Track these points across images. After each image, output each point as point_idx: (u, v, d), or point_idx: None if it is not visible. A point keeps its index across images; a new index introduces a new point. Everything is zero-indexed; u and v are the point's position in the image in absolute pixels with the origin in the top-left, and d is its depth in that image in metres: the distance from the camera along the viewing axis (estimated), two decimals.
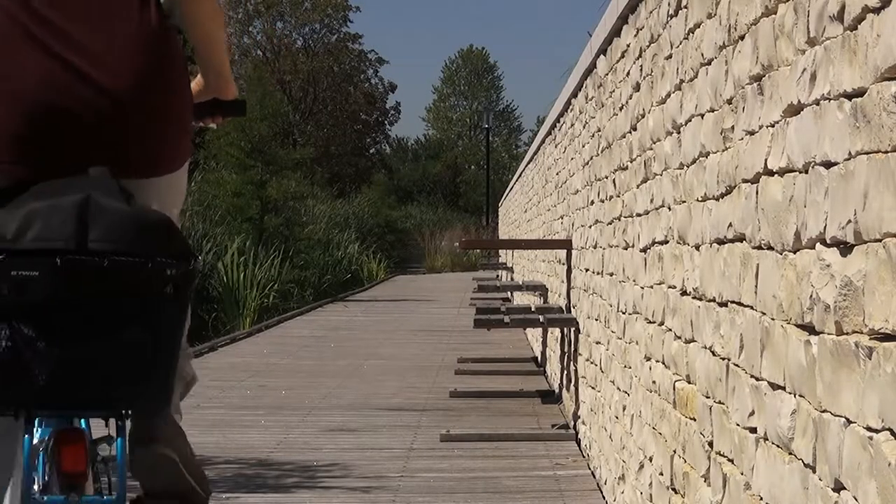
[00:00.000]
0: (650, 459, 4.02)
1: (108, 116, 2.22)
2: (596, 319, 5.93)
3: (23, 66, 2.23)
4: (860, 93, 1.88)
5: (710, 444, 3.04)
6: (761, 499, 2.49)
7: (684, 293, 3.47)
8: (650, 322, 4.09)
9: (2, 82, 2.24)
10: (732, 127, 2.85)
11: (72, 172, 2.20)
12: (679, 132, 3.60)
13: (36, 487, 2.20)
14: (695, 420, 3.25)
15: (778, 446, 2.36)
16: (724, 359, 2.90)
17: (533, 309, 8.20)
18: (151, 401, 2.25)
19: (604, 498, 5.23)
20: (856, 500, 1.87)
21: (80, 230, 2.17)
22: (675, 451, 3.55)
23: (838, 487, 1.97)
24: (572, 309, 7.42)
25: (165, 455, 2.68)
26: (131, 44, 2.30)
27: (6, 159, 2.15)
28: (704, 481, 3.11)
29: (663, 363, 3.81)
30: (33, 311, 2.16)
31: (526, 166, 15.42)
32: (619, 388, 4.91)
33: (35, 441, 2.22)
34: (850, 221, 1.91)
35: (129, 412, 2.26)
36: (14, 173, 2.17)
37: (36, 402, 2.20)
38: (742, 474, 2.68)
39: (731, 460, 2.81)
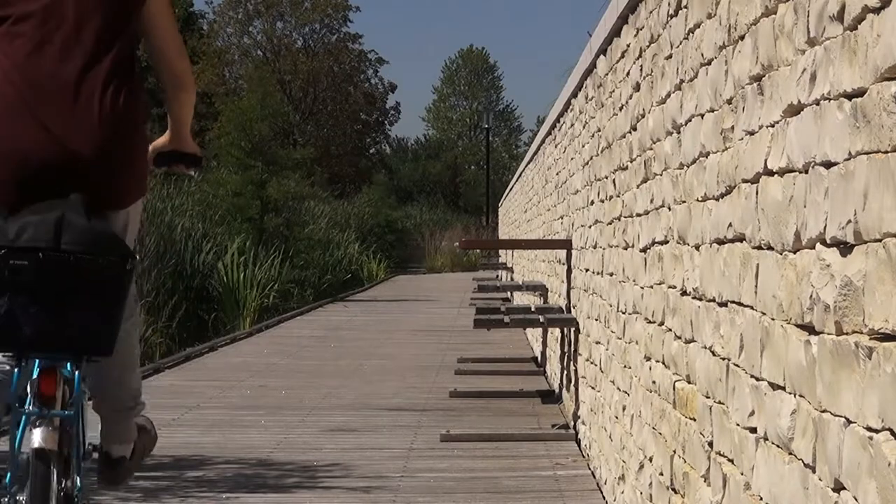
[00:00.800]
0: (650, 459, 4.03)
1: (80, 171, 3.30)
2: (596, 319, 5.93)
3: (24, 133, 3.32)
4: (860, 93, 1.88)
5: (710, 444, 3.04)
6: (761, 499, 2.49)
7: (684, 293, 3.47)
8: (650, 322, 4.09)
9: (8, 142, 3.32)
10: (732, 127, 2.85)
11: (56, 198, 3.30)
12: (679, 132, 3.60)
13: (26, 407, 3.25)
14: (695, 420, 3.25)
15: (778, 446, 2.36)
16: (724, 359, 2.90)
17: (533, 309, 8.20)
18: (100, 350, 3.32)
19: (604, 498, 5.23)
20: (856, 500, 1.87)
21: (56, 236, 3.26)
22: (675, 451, 3.55)
23: (838, 487, 1.97)
24: (572, 309, 7.42)
25: (123, 483, 3.88)
26: (100, 118, 3.35)
27: (12, 193, 3.30)
28: (704, 481, 3.11)
29: (663, 363, 3.81)
30: (24, 287, 3.23)
31: (526, 166, 15.42)
32: (619, 388, 4.91)
33: (31, 377, 3.27)
34: (850, 221, 1.91)
35: (87, 358, 3.34)
36: (17, 203, 3.29)
37: (25, 348, 3.27)
38: (742, 474, 2.68)
39: (731, 460, 2.81)
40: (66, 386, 3.31)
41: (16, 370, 3.29)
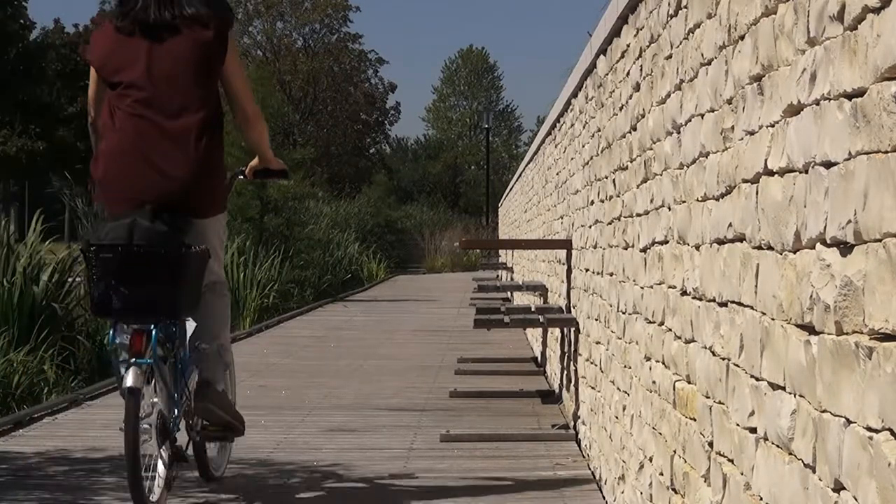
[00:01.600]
0: (650, 459, 4.03)
1: (174, 193, 4.71)
2: (596, 319, 5.93)
3: (134, 167, 4.70)
4: (860, 93, 1.88)
5: (710, 444, 3.04)
6: (761, 499, 2.49)
7: (684, 293, 3.47)
8: (650, 322, 4.09)
9: (122, 173, 4.72)
10: (732, 127, 2.85)
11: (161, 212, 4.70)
12: (679, 132, 3.60)
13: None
14: (695, 420, 3.25)
15: (778, 446, 2.36)
16: (724, 359, 2.90)
17: (533, 309, 8.20)
18: (167, 314, 4.65)
19: (604, 498, 5.23)
20: (856, 500, 1.87)
21: (129, 235, 4.60)
22: (675, 451, 3.55)
23: (838, 487, 1.97)
24: (572, 309, 7.42)
25: (209, 408, 4.99)
26: (189, 159, 4.71)
27: (120, 211, 4.70)
28: (704, 481, 3.12)
29: (663, 363, 3.81)
30: (111, 273, 4.58)
31: (526, 166, 15.42)
32: (619, 388, 4.91)
33: (123, 338, 4.61)
34: (850, 221, 1.91)
35: (159, 322, 4.62)
36: (119, 215, 4.68)
37: (116, 318, 4.63)
38: (742, 474, 2.68)
39: (731, 460, 2.81)
40: (147, 339, 4.60)
41: (112, 332, 4.68)
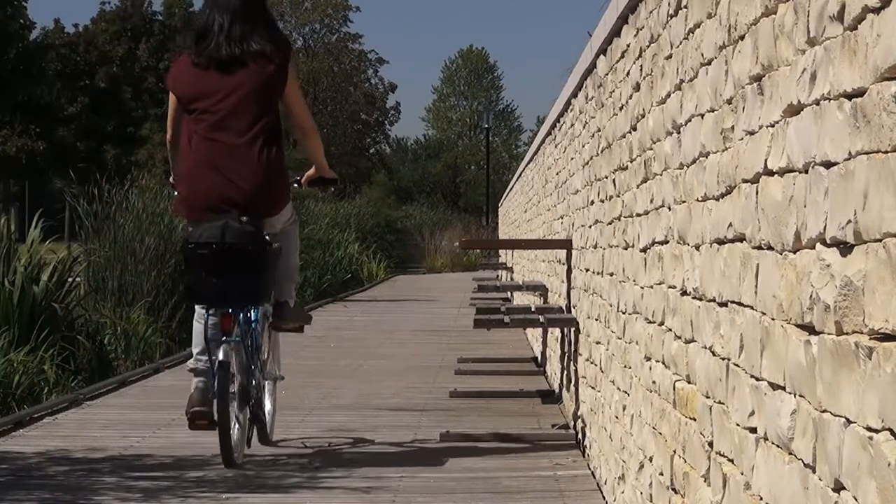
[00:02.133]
0: (650, 459, 4.03)
1: (245, 200, 5.66)
2: (596, 319, 5.93)
3: (211, 178, 5.65)
4: (860, 93, 1.88)
5: (710, 444, 3.04)
6: (761, 499, 2.49)
7: (684, 293, 3.47)
8: (650, 322, 4.09)
9: (201, 184, 5.68)
10: (732, 127, 2.85)
11: (226, 214, 5.64)
12: (679, 132, 3.60)
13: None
14: (695, 420, 3.25)
15: (778, 446, 2.36)
16: (724, 359, 2.90)
17: (533, 309, 8.20)
18: (251, 301, 5.69)
19: (604, 498, 5.23)
20: (856, 500, 1.87)
21: (222, 235, 5.56)
22: (675, 451, 3.55)
23: (838, 487, 1.97)
24: (572, 309, 7.42)
25: (287, 321, 6.18)
26: (255, 170, 5.66)
27: (201, 216, 5.67)
28: (704, 481, 3.12)
29: (663, 363, 3.81)
30: (207, 267, 5.52)
31: (526, 166, 15.42)
32: (619, 388, 4.92)
33: (214, 320, 5.65)
34: (850, 221, 1.91)
35: (247, 307, 5.67)
36: (203, 218, 5.60)
37: (211, 304, 5.62)
38: (742, 474, 2.68)
39: (731, 460, 2.81)
40: (235, 322, 5.67)
41: (208, 316, 5.74)
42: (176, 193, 5.99)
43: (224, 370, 5.61)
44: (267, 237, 5.80)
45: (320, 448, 6.38)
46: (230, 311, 5.68)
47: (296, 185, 6.23)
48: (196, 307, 5.91)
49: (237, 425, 5.76)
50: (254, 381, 5.88)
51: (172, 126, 5.94)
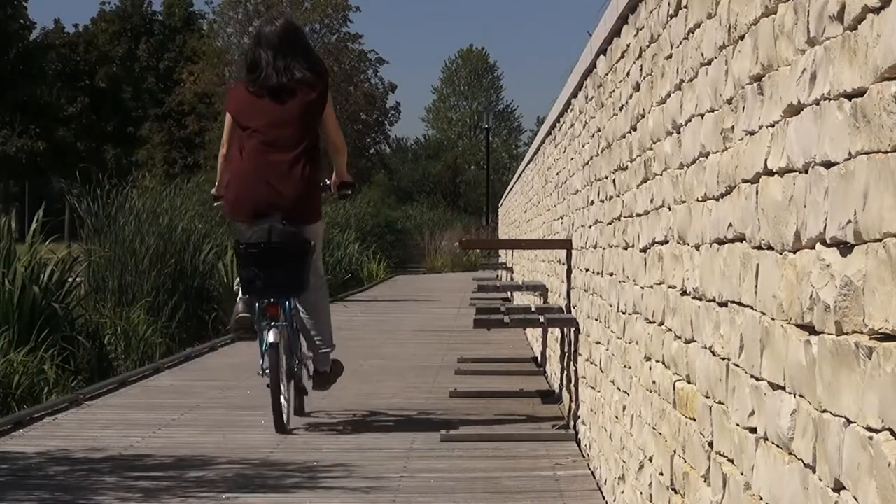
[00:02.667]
0: (650, 459, 4.03)
1: (287, 206, 6.55)
2: (596, 319, 5.93)
3: (259, 188, 6.52)
4: (860, 93, 1.88)
5: (710, 444, 3.04)
6: (761, 499, 2.49)
7: (684, 293, 3.47)
8: (650, 322, 4.09)
9: (251, 193, 6.58)
10: (732, 127, 2.85)
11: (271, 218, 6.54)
12: (679, 132, 3.60)
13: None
14: (695, 420, 3.25)
15: (778, 446, 2.36)
16: (724, 359, 2.90)
17: (533, 309, 8.19)
18: (293, 292, 6.61)
19: (604, 498, 5.23)
20: (856, 500, 1.87)
21: (269, 236, 6.50)
22: (675, 451, 3.55)
23: (838, 487, 1.97)
24: (572, 309, 7.42)
25: (325, 386, 7.41)
26: (297, 182, 6.57)
27: (248, 220, 6.66)
28: (704, 481, 3.12)
29: (663, 363, 3.81)
30: (256, 264, 6.49)
31: (526, 166, 15.42)
32: (618, 388, 4.91)
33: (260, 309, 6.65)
34: (850, 221, 1.91)
35: (290, 298, 6.63)
36: (252, 221, 6.52)
37: (259, 295, 6.58)
38: (742, 474, 2.68)
39: (731, 460, 2.81)
40: (280, 310, 6.66)
41: (257, 304, 6.69)
42: (219, 200, 7.05)
43: (275, 351, 6.66)
44: (306, 238, 6.75)
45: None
46: (278, 300, 6.71)
47: (327, 183, 7.16)
48: (238, 298, 6.87)
49: (284, 397, 6.79)
50: (296, 360, 6.97)
51: (227, 143, 6.90)
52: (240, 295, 6.81)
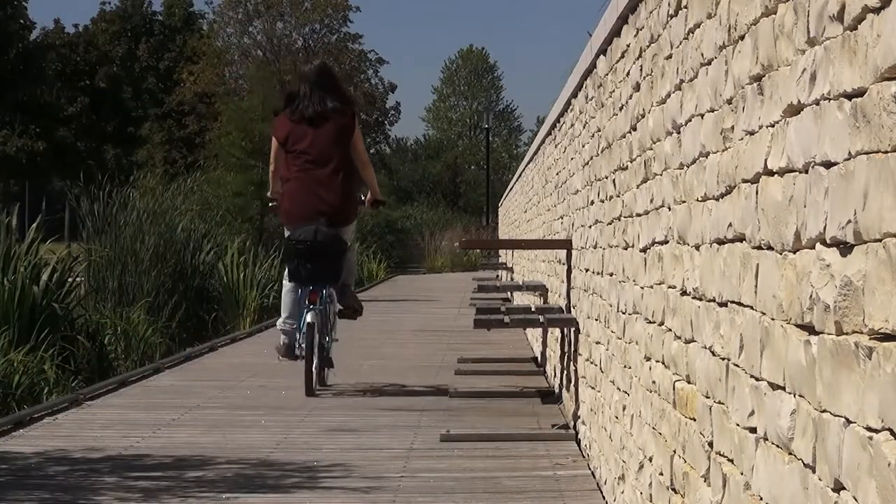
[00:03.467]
0: (650, 459, 4.03)
1: (329, 212, 8.19)
2: (596, 319, 5.93)
3: (307, 199, 8.19)
4: (860, 93, 1.88)
5: (710, 444, 3.04)
6: (761, 499, 2.49)
7: (684, 293, 3.47)
8: (650, 322, 4.09)
9: (301, 203, 8.21)
10: (732, 127, 2.85)
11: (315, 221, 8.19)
12: (679, 132, 3.60)
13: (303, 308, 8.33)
14: (695, 420, 3.25)
15: (778, 446, 2.36)
16: (723, 359, 2.90)
17: (533, 309, 8.19)
18: (331, 281, 8.27)
19: (604, 498, 5.23)
20: (856, 500, 1.87)
21: (315, 235, 8.10)
22: (675, 451, 3.55)
23: (838, 487, 1.97)
24: (572, 309, 7.42)
25: (347, 300, 8.73)
26: (338, 192, 8.23)
27: (297, 222, 8.25)
28: (704, 481, 3.12)
29: (663, 363, 3.81)
30: (303, 257, 8.09)
31: (526, 166, 15.42)
32: (618, 388, 4.91)
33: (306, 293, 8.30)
34: (850, 221, 1.91)
35: (329, 285, 8.29)
36: (300, 224, 8.14)
37: (304, 283, 8.21)
38: (742, 474, 2.68)
39: (731, 460, 2.81)
40: (319, 295, 8.16)
41: (300, 290, 8.21)
42: (273, 205, 8.81)
43: (311, 329, 8.23)
44: (343, 238, 8.38)
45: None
46: (317, 287, 8.25)
47: (363, 199, 8.86)
48: (285, 283, 8.48)
49: (315, 367, 8.36)
50: (327, 339, 8.48)
51: (275, 162, 8.49)
52: (281, 337, 8.58)
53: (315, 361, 8.30)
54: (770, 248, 2.46)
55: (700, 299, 3.23)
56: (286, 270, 8.41)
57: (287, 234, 8.40)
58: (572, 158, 7.67)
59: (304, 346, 8.28)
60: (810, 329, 2.15)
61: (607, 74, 5.58)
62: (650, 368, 4.07)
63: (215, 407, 8.01)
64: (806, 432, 2.17)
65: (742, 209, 2.72)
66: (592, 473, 5.71)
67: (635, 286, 4.49)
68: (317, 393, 8.32)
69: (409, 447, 6.47)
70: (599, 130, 5.91)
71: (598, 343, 5.81)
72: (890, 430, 1.72)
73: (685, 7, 3.52)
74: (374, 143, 56.45)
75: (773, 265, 2.44)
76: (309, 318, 8.23)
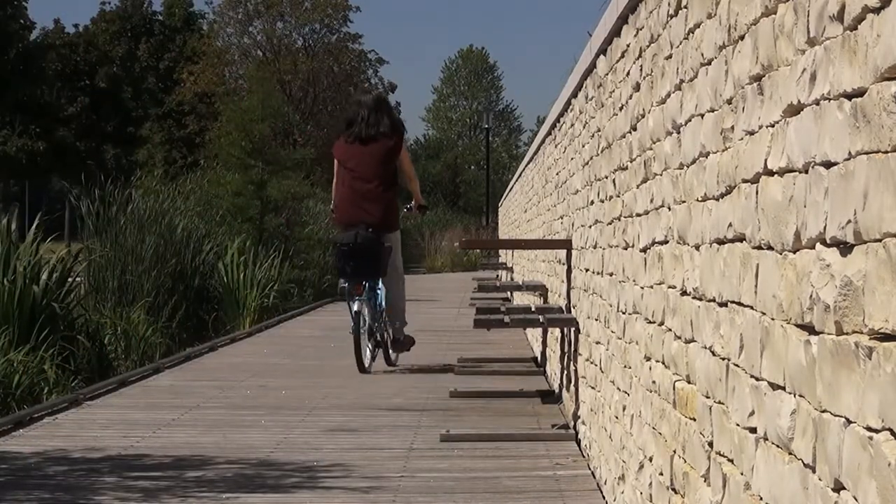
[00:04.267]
0: (650, 459, 4.03)
1: (370, 220, 9.63)
2: (596, 319, 5.93)
3: (354, 209, 9.69)
4: (860, 93, 1.88)
5: (710, 444, 3.04)
6: (761, 499, 2.49)
7: (684, 293, 3.47)
8: (650, 322, 4.09)
9: (348, 213, 9.75)
10: (732, 127, 2.85)
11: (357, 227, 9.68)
12: (679, 132, 3.60)
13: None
14: (695, 420, 3.25)
15: (778, 446, 2.36)
16: (724, 359, 2.90)
17: (533, 309, 8.19)
18: (373, 277, 9.67)
19: (604, 498, 5.23)
20: (856, 500, 1.87)
21: (355, 238, 9.56)
22: (675, 451, 3.55)
23: (838, 487, 1.97)
24: (572, 309, 7.42)
25: (399, 349, 10.13)
26: (380, 204, 9.68)
27: (347, 227, 9.73)
28: (704, 481, 3.12)
29: (663, 363, 3.81)
30: (346, 257, 9.56)
31: (526, 166, 15.42)
32: (619, 388, 4.91)
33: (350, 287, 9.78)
34: (850, 221, 1.91)
35: (369, 279, 9.71)
36: (347, 228, 9.69)
37: (349, 278, 9.65)
38: (742, 474, 2.68)
39: (731, 460, 2.81)
40: (364, 287, 9.55)
41: (346, 284, 9.59)
42: (332, 212, 10.28)
43: (358, 316, 9.62)
44: (383, 241, 9.70)
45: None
46: (361, 281, 9.63)
47: (406, 211, 11.03)
48: (341, 280, 10.09)
49: (368, 349, 9.82)
50: (377, 324, 9.79)
51: (337, 177, 9.91)
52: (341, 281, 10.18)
53: (369, 343, 9.85)
54: (770, 248, 2.46)
55: (700, 299, 3.23)
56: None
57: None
58: (572, 158, 7.67)
59: (362, 331, 9.71)
60: (810, 329, 2.15)
61: (607, 74, 5.58)
62: (650, 368, 4.07)
63: (215, 407, 8.01)
64: (806, 432, 2.17)
65: (742, 209, 2.72)
66: (592, 473, 5.71)
67: (635, 286, 4.49)
68: (370, 371, 9.77)
69: (409, 447, 6.47)
70: (599, 130, 5.91)
71: (598, 343, 5.81)
72: (890, 430, 1.72)
73: (685, 7, 3.51)
74: None
75: (773, 265, 2.44)
76: (355, 307, 9.66)
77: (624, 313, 4.80)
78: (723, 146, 2.96)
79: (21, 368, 9.41)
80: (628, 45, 4.81)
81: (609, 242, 5.39)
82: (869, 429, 1.81)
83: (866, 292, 1.84)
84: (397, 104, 63.01)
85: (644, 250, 4.27)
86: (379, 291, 9.76)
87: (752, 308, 2.62)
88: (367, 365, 9.73)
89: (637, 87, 4.55)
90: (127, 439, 6.67)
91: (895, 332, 1.73)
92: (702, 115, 3.24)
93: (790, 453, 2.28)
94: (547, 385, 8.93)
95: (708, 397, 3.08)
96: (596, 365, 5.85)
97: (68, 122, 62.67)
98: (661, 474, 3.78)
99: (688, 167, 3.44)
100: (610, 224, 5.36)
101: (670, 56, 3.77)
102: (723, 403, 2.90)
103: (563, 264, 7.86)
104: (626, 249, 4.79)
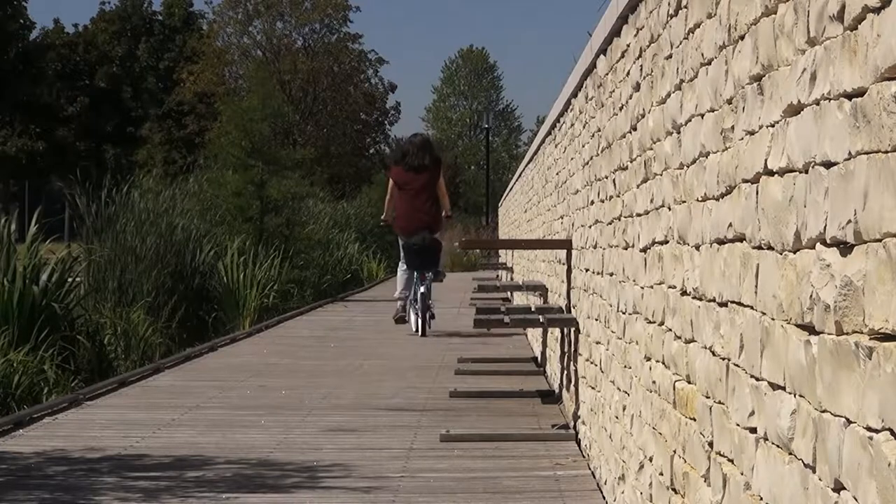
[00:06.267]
0: (650, 459, 4.03)
1: (427, 226, 13.44)
2: (596, 319, 5.93)
3: (414, 220, 13.41)
4: (860, 93, 1.88)
5: (710, 444, 3.04)
6: (761, 499, 2.49)
7: (684, 293, 3.47)
8: (650, 322, 4.09)
9: (409, 223, 13.50)
10: (732, 127, 2.85)
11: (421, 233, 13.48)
12: (679, 132, 3.60)
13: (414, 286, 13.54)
14: (695, 420, 3.25)
15: (778, 446, 2.36)
16: (724, 359, 2.90)
17: (533, 309, 8.19)
18: (431, 268, 13.48)
19: (604, 498, 5.23)
20: (856, 500, 1.87)
21: (423, 241, 13.38)
22: (675, 451, 3.55)
23: (838, 487, 1.97)
24: (572, 309, 7.42)
25: (439, 279, 14.13)
26: (430, 213, 13.49)
27: (409, 233, 13.46)
28: (704, 481, 3.12)
29: (663, 363, 3.81)
30: (417, 254, 13.39)
31: (526, 166, 15.42)
32: (619, 388, 4.91)
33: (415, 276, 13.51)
34: (850, 221, 1.91)
35: (429, 271, 13.47)
36: (411, 235, 13.39)
37: (418, 270, 13.42)
38: (742, 474, 2.68)
39: (731, 460, 2.81)
40: (427, 276, 13.26)
41: (415, 274, 13.30)
42: (385, 222, 14.14)
43: (424, 297, 13.03)
44: (437, 238, 13.17)
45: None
46: (424, 271, 13.05)
47: (444, 215, 13.55)
48: (400, 268, 13.41)
49: (417, 319, 13.21)
50: (429, 302, 13.23)
51: (390, 194, 13.49)
52: (398, 303, 13.55)
53: (426, 315, 13.18)
54: (770, 248, 2.46)
55: (700, 299, 3.23)
56: (402, 260, 13.34)
57: (401, 241, 13.30)
58: (572, 158, 7.67)
59: (418, 308, 13.08)
60: (810, 329, 2.15)
61: (607, 74, 5.58)
62: (650, 368, 4.07)
63: (215, 407, 8.01)
64: (806, 432, 2.17)
65: (742, 209, 2.72)
66: (592, 473, 5.71)
67: (635, 286, 4.49)
68: (427, 334, 13.00)
69: (409, 447, 6.47)
70: (599, 130, 5.91)
71: (598, 343, 5.81)
72: (890, 430, 1.72)
73: (685, 7, 3.51)
74: (373, 143, 56.46)
75: (773, 265, 2.44)
76: (423, 289, 13.02)
77: (624, 313, 4.80)
78: (723, 146, 2.96)
79: (21, 368, 9.41)
80: (628, 45, 4.81)
81: (609, 242, 5.39)
82: (869, 429, 1.81)
83: (866, 292, 1.84)
84: (397, 104, 63.04)
85: (644, 250, 4.27)
86: (428, 280, 13.12)
87: (752, 308, 2.62)
88: (416, 329, 13.18)
89: (637, 87, 4.55)
90: (127, 439, 6.67)
91: (895, 332, 1.73)
92: (702, 115, 3.24)
93: (790, 453, 2.28)
94: (547, 385, 8.94)
95: (708, 397, 3.08)
96: (596, 365, 5.85)
97: (68, 122, 62.69)
98: (662, 474, 3.78)
99: (688, 167, 3.44)
100: (610, 224, 5.36)
101: (670, 56, 3.77)
102: (723, 403, 2.90)
103: (563, 264, 7.86)
104: (626, 249, 4.79)
